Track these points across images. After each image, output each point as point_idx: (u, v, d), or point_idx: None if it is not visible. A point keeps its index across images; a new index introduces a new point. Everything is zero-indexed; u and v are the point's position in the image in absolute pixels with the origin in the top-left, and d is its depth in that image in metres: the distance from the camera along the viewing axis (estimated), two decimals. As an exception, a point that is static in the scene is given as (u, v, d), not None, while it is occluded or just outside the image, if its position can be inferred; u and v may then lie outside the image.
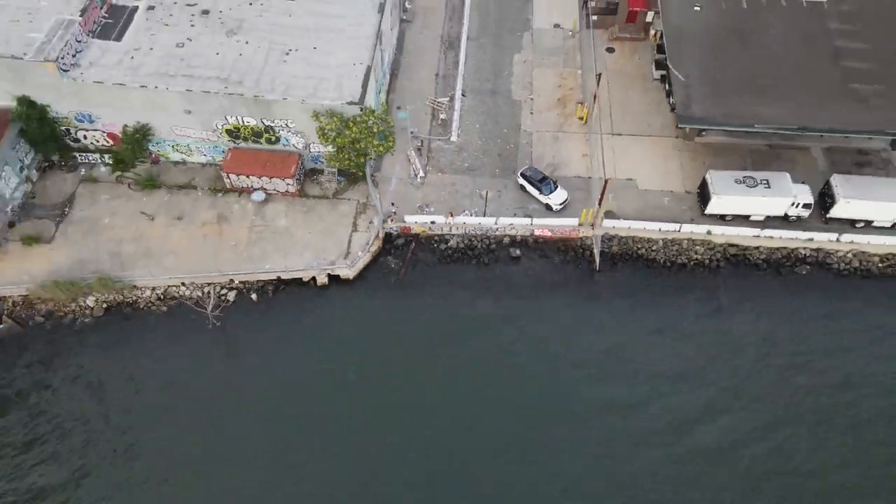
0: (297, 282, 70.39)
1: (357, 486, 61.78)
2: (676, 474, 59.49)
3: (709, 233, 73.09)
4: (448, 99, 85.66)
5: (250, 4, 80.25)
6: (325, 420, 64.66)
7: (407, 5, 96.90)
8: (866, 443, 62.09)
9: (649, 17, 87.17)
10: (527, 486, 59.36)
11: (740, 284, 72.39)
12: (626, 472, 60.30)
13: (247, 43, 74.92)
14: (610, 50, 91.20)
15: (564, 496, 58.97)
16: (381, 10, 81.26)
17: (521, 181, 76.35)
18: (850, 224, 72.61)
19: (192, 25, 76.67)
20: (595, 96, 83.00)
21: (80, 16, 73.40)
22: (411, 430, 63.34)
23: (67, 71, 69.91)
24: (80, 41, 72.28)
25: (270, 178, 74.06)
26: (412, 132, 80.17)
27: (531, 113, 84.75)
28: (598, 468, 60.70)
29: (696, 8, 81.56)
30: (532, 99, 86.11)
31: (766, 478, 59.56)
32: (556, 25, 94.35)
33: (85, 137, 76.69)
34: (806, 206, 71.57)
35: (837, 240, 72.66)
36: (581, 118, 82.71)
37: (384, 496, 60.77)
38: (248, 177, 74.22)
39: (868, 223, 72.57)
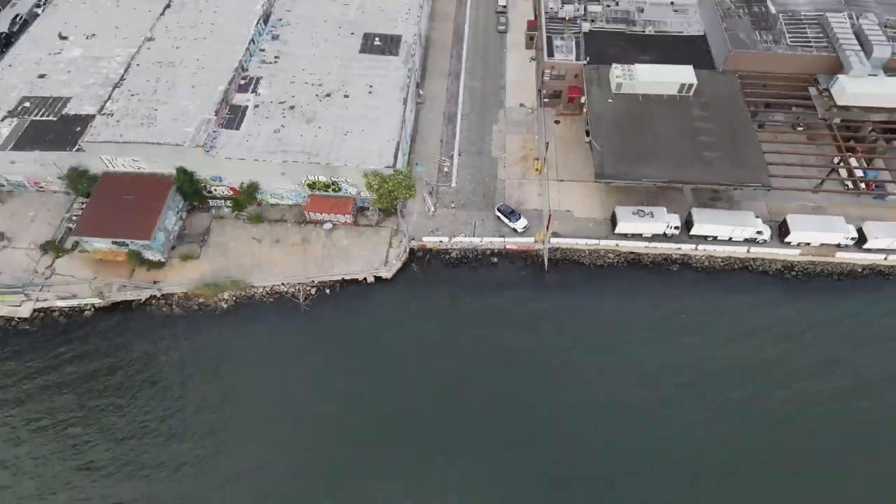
0: (355, 281, 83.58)
1: (403, 379, 75.97)
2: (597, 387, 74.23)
3: (617, 245, 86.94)
4: (449, 157, 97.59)
5: (320, 101, 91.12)
6: (374, 350, 79.16)
7: (421, 93, 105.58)
8: (708, 374, 76.34)
9: (583, 100, 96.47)
10: (519, 401, 73.72)
11: (636, 277, 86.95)
12: (574, 384, 75.14)
13: (319, 128, 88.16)
14: (557, 122, 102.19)
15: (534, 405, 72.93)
16: (404, 103, 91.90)
17: (497, 213, 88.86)
18: (704, 238, 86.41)
19: (284, 117, 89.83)
20: (545, 155, 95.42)
21: (214, 115, 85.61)
22: (433, 358, 77.77)
23: (208, 151, 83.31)
24: (214, 131, 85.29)
25: (335, 214, 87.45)
26: (426, 181, 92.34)
27: (504, 166, 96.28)
28: (551, 383, 75.40)
29: (609, 101, 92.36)
30: (504, 157, 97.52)
31: (643, 401, 73.47)
32: (521, 105, 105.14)
33: (215, 190, 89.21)
34: (676, 227, 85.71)
35: (696, 248, 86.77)
36: (537, 170, 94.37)
37: (428, 396, 73.94)
38: (320, 213, 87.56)
39: (714, 238, 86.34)
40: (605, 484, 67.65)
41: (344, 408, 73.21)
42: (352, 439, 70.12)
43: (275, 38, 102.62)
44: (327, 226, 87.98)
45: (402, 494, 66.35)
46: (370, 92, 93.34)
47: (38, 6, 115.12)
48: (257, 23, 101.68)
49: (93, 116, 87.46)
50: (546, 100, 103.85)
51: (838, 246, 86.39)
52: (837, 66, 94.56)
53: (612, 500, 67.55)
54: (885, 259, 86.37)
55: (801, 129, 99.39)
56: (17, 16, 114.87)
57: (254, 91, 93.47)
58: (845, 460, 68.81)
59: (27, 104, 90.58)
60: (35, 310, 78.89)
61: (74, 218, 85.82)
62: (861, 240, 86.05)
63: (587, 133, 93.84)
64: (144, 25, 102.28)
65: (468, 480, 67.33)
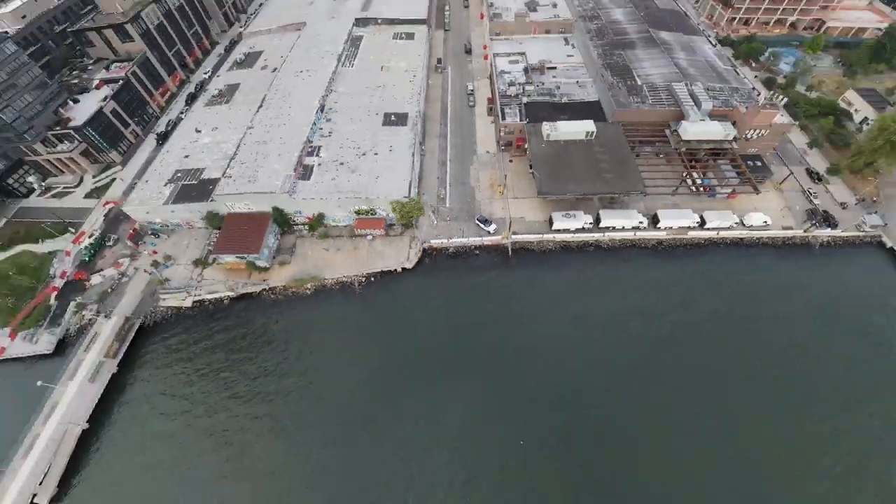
0: (390, 272, 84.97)
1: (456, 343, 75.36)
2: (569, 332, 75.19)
3: (554, 237, 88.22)
4: (444, 188, 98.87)
5: (359, 158, 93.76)
6: (404, 314, 79.89)
7: (423, 148, 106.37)
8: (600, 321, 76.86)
9: (526, 146, 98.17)
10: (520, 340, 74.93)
11: (567, 257, 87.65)
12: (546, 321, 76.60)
13: (360, 175, 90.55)
14: (510, 161, 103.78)
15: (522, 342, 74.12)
16: (413, 156, 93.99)
17: (477, 222, 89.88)
18: (608, 229, 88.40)
19: (337, 170, 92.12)
20: (505, 182, 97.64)
21: (293, 171, 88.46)
22: (441, 317, 78.84)
23: (291, 195, 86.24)
24: (294, 182, 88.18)
25: (374, 229, 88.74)
26: (430, 204, 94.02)
27: (479, 191, 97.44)
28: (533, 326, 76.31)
29: (542, 145, 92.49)
30: (478, 185, 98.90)
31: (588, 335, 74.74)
32: (487, 151, 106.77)
33: (297, 219, 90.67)
34: (590, 223, 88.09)
35: (603, 235, 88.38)
36: (500, 192, 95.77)
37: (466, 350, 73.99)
38: (364, 229, 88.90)
39: (614, 228, 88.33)
40: (556, 382, 69.63)
41: (386, 350, 74.79)
42: (391, 370, 72.02)
43: (328, 120, 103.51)
44: (369, 237, 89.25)
45: (424, 402, 68.14)
46: (390, 150, 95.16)
47: (181, 114, 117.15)
48: (316, 112, 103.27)
49: (218, 179, 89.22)
50: (502, 147, 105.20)
51: (689, 227, 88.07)
52: (681, 116, 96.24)
53: (557, 388, 68.83)
54: (717, 234, 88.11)
55: (661, 156, 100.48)
56: (169, 121, 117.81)
57: (317, 155, 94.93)
58: (698, 359, 71.85)
59: (179, 174, 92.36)
60: (194, 301, 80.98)
61: (212, 243, 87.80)
62: (702, 223, 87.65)
63: (530, 166, 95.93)
64: (246, 119, 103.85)
65: (466, 394, 68.74)
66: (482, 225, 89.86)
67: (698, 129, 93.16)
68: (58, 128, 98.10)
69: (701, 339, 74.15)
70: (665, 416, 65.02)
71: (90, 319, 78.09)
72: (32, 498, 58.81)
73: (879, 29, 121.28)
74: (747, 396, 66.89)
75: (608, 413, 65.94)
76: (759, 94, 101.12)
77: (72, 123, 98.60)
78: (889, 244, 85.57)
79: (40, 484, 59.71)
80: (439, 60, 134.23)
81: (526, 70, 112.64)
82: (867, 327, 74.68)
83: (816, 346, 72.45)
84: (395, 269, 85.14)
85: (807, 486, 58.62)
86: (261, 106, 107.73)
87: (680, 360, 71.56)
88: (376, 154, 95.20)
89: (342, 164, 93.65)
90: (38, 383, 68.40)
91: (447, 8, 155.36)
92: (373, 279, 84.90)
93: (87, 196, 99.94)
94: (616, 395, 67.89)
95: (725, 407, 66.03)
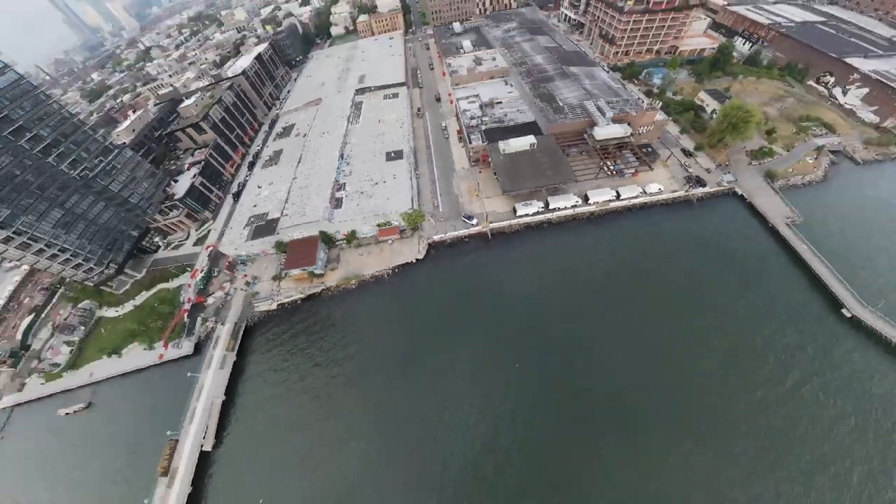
0: (408, 264, 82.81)
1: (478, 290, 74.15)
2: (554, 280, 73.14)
3: (518, 221, 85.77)
4: (436, 198, 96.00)
5: (373, 187, 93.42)
6: (421, 290, 77.44)
7: (417, 173, 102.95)
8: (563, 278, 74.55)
9: (490, 159, 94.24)
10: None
11: (530, 234, 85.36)
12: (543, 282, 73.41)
13: (376, 199, 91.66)
14: (480, 172, 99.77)
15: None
16: (411, 180, 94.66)
17: (463, 219, 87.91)
18: (555, 210, 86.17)
19: (359, 198, 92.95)
20: (479, 187, 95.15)
21: (329, 203, 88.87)
22: (447, 289, 76.42)
23: (330, 221, 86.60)
24: (331, 211, 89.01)
25: (392, 235, 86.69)
26: (429, 211, 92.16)
27: (461, 196, 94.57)
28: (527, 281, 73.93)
29: (501, 157, 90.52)
30: (460, 192, 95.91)
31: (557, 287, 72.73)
32: (463, 167, 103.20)
33: (337, 236, 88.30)
34: (542, 207, 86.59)
35: (553, 215, 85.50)
36: (476, 195, 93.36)
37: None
38: (385, 236, 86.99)
39: (560, 208, 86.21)
40: (532, 320, 68.84)
41: (412, 319, 73.69)
42: (418, 332, 71.02)
43: (347, 164, 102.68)
44: (389, 242, 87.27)
45: (445, 351, 67.27)
46: (394, 178, 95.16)
47: (246, 177, 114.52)
48: (338, 159, 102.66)
49: (279, 217, 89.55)
50: (473, 163, 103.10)
51: (610, 201, 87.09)
52: (592, 123, 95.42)
53: (533, 324, 67.74)
54: (629, 202, 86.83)
55: (584, 153, 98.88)
56: (238, 183, 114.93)
57: (343, 189, 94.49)
58: (626, 289, 71.52)
59: (252, 219, 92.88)
60: (277, 305, 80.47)
61: (282, 263, 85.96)
62: (618, 196, 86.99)
63: (495, 173, 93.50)
64: (291, 173, 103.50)
65: (473, 340, 67.91)
66: (467, 220, 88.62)
67: (606, 131, 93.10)
68: (167, 201, 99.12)
69: (627, 275, 74.34)
70: (604, 331, 65.97)
71: (212, 328, 79.08)
72: (201, 448, 61.23)
73: (714, 48, 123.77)
74: (657, 309, 67.46)
75: (567, 335, 66.54)
76: (643, 102, 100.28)
77: (176, 196, 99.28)
78: (740, 192, 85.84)
79: (203, 438, 62.12)
80: (419, 109, 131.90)
81: (481, 106, 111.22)
82: (728, 249, 75.75)
83: (699, 267, 73.36)
84: (411, 261, 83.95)
85: (703, 362, 60.30)
86: (299, 162, 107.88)
87: (613, 293, 71.87)
88: (385, 182, 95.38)
89: (362, 193, 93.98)
90: (188, 374, 70.77)
91: (419, 72, 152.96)
92: (396, 271, 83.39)
93: (195, 244, 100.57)
94: (573, 322, 68.23)
95: (644, 319, 66.56)
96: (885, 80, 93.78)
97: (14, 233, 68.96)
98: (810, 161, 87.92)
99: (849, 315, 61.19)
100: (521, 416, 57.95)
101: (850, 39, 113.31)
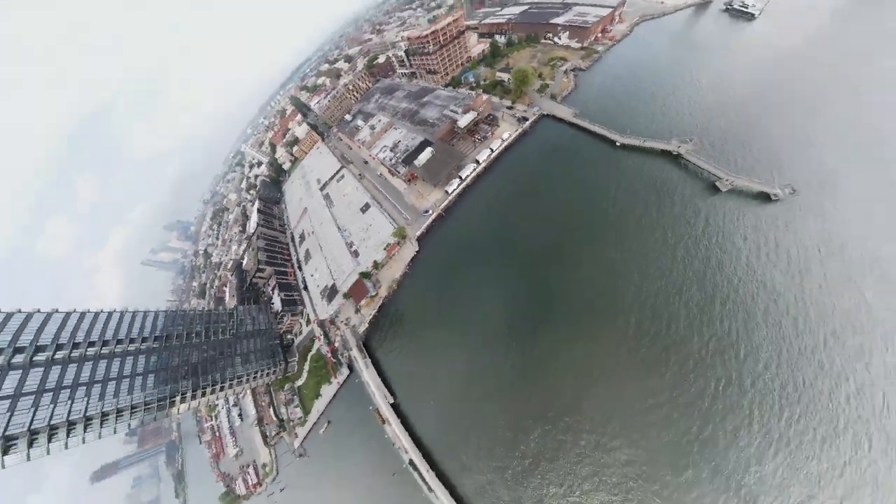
0: (412, 259, 74.76)
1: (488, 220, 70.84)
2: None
3: (450, 198, 79.48)
4: (405, 213, 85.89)
5: (366, 231, 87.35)
6: (428, 270, 71.22)
7: (383, 207, 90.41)
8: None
9: (415, 173, 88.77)
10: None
11: (464, 198, 78.62)
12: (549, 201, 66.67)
13: (372, 237, 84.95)
14: (415, 184, 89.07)
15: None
16: (382, 213, 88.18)
17: (423, 213, 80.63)
18: (466, 176, 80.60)
19: (364, 242, 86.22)
20: (419, 192, 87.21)
21: (352, 257, 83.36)
22: (453, 247, 70.98)
23: (359, 264, 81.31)
24: (357, 260, 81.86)
25: (394, 250, 78.66)
26: (405, 223, 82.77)
27: (414, 203, 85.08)
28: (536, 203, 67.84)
29: (419, 168, 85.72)
30: (413, 201, 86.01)
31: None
32: (403, 188, 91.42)
33: (368, 270, 77.74)
34: (459, 181, 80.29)
35: (467, 180, 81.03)
36: (421, 197, 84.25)
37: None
38: (393, 251, 78.79)
39: (468, 175, 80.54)
40: (499, 232, 66.14)
41: (433, 279, 69.70)
42: (441, 282, 67.61)
43: (345, 230, 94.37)
44: (395, 253, 79.46)
45: (466, 279, 64.71)
46: (373, 219, 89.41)
47: (302, 275, 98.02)
48: (338, 231, 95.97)
49: (334, 283, 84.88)
50: (407, 182, 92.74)
51: (489, 156, 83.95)
52: (455, 120, 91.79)
53: (511, 250, 62.93)
54: (499, 150, 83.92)
55: (461, 139, 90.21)
56: (301, 280, 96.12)
57: (353, 245, 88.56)
58: (528, 192, 70.43)
59: (321, 292, 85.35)
60: (368, 322, 72.34)
61: (352, 300, 76.34)
62: (492, 151, 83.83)
63: (422, 179, 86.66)
64: (322, 259, 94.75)
65: (479, 265, 64.48)
66: (426, 214, 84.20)
67: (464, 119, 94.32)
68: (277, 316, 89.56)
69: (523, 186, 72.35)
70: (527, 219, 66.02)
71: (348, 355, 73.58)
72: (390, 404, 60.35)
73: (487, 47, 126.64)
74: (545, 193, 68.70)
75: (505, 227, 66.15)
76: (473, 94, 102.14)
77: (279, 311, 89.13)
78: (546, 113, 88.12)
79: (387, 399, 61.14)
80: (360, 174, 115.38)
81: (391, 150, 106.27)
82: (557, 143, 77.43)
83: (549, 158, 73.68)
84: (413, 256, 79.10)
85: (570, 206, 62.97)
86: (321, 250, 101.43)
87: (519, 197, 71.32)
88: (371, 225, 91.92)
89: (363, 239, 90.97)
90: (356, 380, 67.70)
91: (345, 155, 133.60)
92: (409, 265, 78.25)
93: (307, 324, 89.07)
94: (507, 226, 67.62)
95: (540, 203, 68.17)
96: (572, 25, 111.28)
97: (230, 380, 66.94)
98: (566, 80, 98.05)
99: (619, 144, 71.27)
100: (510, 287, 60.17)
101: (546, 11, 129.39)
